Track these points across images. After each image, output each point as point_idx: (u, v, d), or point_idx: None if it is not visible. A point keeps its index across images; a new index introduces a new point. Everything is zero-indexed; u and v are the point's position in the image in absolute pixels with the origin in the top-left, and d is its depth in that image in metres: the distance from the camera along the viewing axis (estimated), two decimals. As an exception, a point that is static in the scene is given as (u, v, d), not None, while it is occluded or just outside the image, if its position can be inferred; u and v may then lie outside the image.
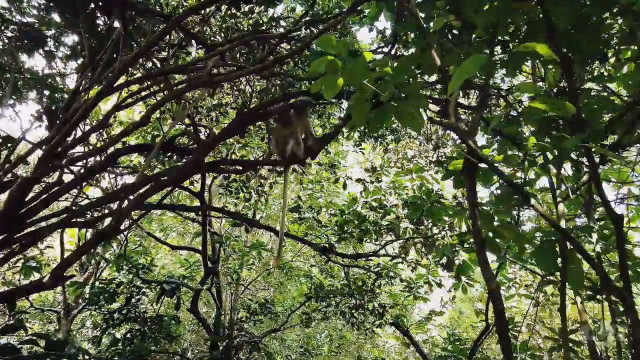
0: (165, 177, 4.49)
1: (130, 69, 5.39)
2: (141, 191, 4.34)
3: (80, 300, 10.48)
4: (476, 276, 9.69)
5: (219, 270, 8.67)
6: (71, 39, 5.78)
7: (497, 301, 3.10)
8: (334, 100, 5.12)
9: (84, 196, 6.98)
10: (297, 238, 6.45)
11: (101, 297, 7.03)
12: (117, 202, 4.24)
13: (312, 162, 6.17)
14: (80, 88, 4.85)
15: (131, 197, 4.46)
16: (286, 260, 10.03)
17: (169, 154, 5.68)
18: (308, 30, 5.29)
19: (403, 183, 8.34)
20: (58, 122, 4.68)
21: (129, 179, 7.73)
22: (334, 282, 8.64)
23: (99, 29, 5.19)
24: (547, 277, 7.08)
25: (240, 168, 5.05)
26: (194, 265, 9.88)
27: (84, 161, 4.90)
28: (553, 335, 7.15)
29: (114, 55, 4.73)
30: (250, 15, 5.79)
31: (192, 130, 5.78)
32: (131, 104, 5.05)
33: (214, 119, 6.60)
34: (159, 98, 4.81)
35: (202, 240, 7.43)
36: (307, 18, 5.46)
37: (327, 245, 6.78)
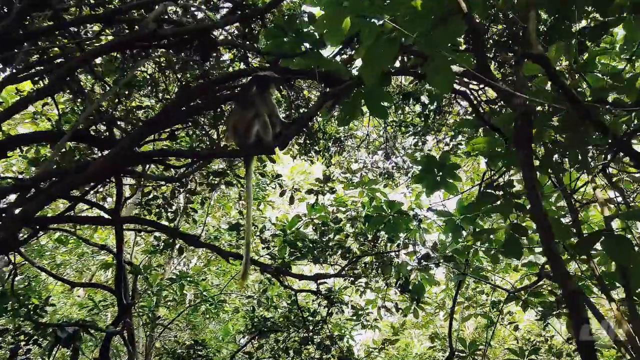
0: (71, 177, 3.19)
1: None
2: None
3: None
4: (428, 297, 9.10)
5: (134, 308, 7.08)
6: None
7: (578, 308, 2.31)
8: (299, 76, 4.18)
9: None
10: (239, 256, 5.26)
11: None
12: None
13: (280, 153, 5.12)
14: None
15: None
16: (215, 292, 8.63)
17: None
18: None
19: (347, 200, 7.56)
20: None
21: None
22: (273, 313, 7.47)
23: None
24: (514, 292, 6.65)
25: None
26: (99, 305, 8.10)
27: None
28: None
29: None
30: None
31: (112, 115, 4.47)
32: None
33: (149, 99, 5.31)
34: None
35: (116, 268, 5.92)
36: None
37: (279, 266, 5.67)
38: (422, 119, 6.62)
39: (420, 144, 7.24)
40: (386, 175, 7.40)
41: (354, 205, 7.39)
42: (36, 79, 3.99)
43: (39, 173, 3.33)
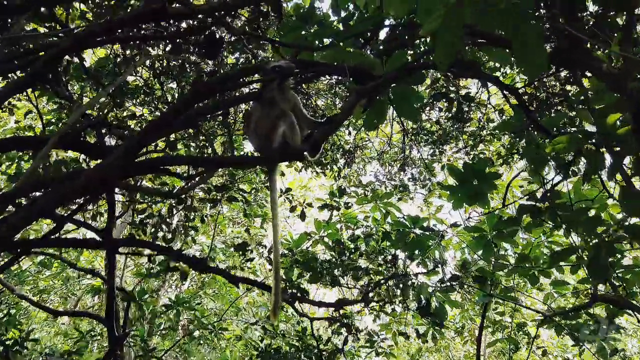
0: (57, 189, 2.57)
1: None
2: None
3: None
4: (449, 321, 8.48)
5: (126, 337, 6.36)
6: None
7: None
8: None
9: None
10: (258, 284, 4.60)
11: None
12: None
13: (312, 160, 4.53)
14: None
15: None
16: (212, 318, 7.91)
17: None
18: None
19: (355, 215, 6.97)
20: None
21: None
22: (281, 341, 6.78)
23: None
24: (549, 316, 6.06)
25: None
26: (86, 335, 7.33)
27: None
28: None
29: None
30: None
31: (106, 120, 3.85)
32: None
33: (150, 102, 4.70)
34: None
35: (107, 297, 5.23)
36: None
37: (294, 291, 5.04)
38: (443, 125, 6.11)
39: (437, 153, 6.72)
40: (401, 188, 6.85)
41: (366, 220, 6.81)
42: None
43: (18, 185, 2.71)
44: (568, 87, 5.22)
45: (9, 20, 3.05)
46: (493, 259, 5.41)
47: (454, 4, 1.97)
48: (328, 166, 7.56)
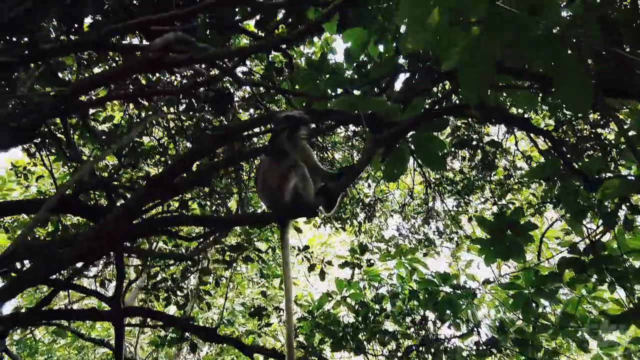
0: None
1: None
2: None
3: None
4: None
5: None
6: None
7: None
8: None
9: None
10: (271, 353, 4.17)
11: None
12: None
13: (328, 215, 4.24)
14: None
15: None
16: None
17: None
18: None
19: (378, 272, 6.55)
20: None
21: None
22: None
23: None
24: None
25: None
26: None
27: None
28: None
29: None
30: None
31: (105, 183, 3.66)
32: None
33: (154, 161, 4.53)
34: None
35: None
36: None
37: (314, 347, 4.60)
38: (467, 174, 5.80)
39: (463, 204, 6.36)
40: (426, 243, 6.45)
41: (390, 278, 6.37)
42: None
43: (10, 249, 2.49)
44: (599, 130, 4.92)
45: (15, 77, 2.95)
46: (533, 319, 4.88)
47: (477, 35, 1.74)
48: (348, 221, 7.25)
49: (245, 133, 2.82)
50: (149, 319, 4.22)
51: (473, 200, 6.58)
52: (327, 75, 3.38)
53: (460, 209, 6.39)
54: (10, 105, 2.87)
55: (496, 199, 6.15)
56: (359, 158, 2.92)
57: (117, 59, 4.12)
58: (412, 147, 3.42)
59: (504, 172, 6.33)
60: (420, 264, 6.12)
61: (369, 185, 6.82)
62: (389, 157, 3.26)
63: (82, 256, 2.50)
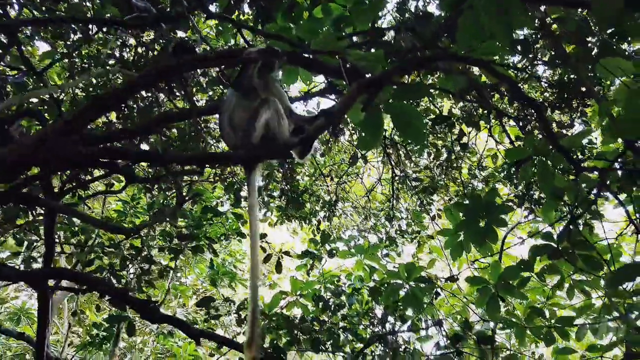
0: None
1: None
2: None
3: None
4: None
5: None
6: None
7: None
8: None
9: None
10: (222, 339, 3.64)
11: None
12: None
13: (302, 161, 3.81)
14: None
15: None
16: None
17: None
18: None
19: (337, 275, 6.20)
20: None
21: None
22: None
23: None
24: None
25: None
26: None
27: None
28: None
29: None
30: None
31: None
32: None
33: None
34: None
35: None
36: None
37: (271, 351, 4.14)
38: (432, 170, 5.63)
39: (426, 203, 6.18)
40: (387, 243, 6.18)
41: (348, 279, 6.04)
42: None
43: None
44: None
45: None
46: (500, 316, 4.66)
47: None
48: (306, 220, 6.89)
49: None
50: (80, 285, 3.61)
51: (436, 200, 6.42)
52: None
53: (422, 208, 6.20)
54: None
55: (460, 197, 6.01)
56: (340, 100, 2.60)
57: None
58: (391, 117, 3.18)
59: (468, 174, 6.23)
60: (380, 266, 5.83)
61: (331, 179, 6.51)
62: (365, 120, 2.99)
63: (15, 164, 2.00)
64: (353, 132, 5.83)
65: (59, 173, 3.87)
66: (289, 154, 2.39)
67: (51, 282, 3.91)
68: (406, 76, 4.27)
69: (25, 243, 4.36)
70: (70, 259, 5.57)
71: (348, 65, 2.87)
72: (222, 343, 3.22)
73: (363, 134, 3.22)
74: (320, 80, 4.90)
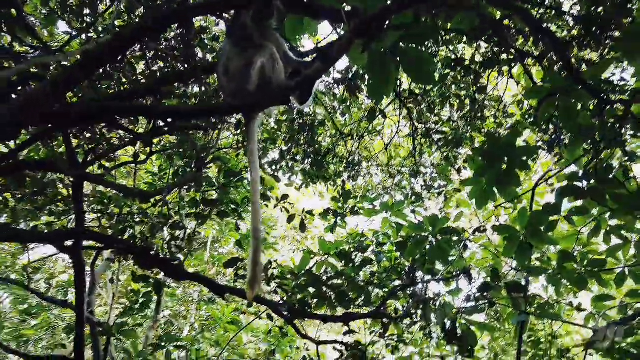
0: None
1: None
2: None
3: None
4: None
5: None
6: None
7: None
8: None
9: None
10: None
11: None
12: None
13: (301, 107, 3.83)
14: None
15: None
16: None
17: None
18: None
19: (358, 234, 6.18)
20: None
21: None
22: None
23: None
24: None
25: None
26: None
27: None
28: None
29: None
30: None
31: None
32: None
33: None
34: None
35: (76, 328, 4.41)
36: None
37: (294, 306, 4.22)
38: (457, 122, 5.46)
39: (451, 157, 6.02)
40: (412, 198, 6.10)
41: (376, 237, 6.02)
42: None
43: None
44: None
45: None
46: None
47: None
48: (330, 181, 6.87)
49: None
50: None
51: (462, 154, 6.25)
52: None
53: (448, 161, 6.05)
54: None
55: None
56: (336, 44, 2.51)
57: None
58: (399, 59, 3.07)
59: (494, 122, 6.01)
60: (406, 222, 5.77)
61: (352, 138, 6.43)
62: (370, 65, 2.89)
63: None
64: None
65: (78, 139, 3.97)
66: (288, 99, 2.35)
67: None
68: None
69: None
70: (104, 230, 5.82)
71: (349, 9, 2.78)
72: (243, 297, 3.28)
73: (371, 82, 3.15)
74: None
